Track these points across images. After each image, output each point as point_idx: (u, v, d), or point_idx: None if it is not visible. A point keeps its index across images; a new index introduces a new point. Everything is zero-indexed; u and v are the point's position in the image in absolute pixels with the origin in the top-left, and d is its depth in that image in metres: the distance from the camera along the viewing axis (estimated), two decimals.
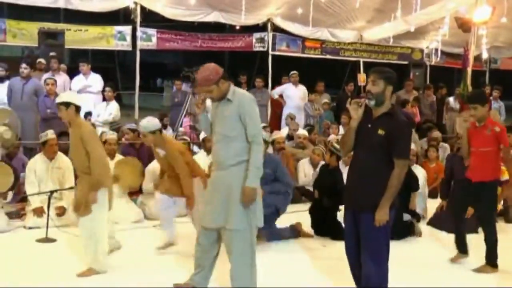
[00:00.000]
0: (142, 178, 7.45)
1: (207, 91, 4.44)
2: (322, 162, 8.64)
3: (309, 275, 5.45)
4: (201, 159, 7.93)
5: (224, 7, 13.47)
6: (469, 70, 12.54)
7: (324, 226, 6.73)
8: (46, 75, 10.19)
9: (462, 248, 5.91)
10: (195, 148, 9.41)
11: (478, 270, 5.66)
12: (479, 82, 16.32)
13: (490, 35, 15.83)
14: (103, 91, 10.80)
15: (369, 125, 4.15)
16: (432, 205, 7.70)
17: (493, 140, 5.51)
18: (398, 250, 5.03)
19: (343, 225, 5.58)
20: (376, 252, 4.12)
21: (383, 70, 4.25)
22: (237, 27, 14.69)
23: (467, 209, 5.99)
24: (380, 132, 4.05)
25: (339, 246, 4.77)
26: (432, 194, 8.47)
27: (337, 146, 6.85)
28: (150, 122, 5.75)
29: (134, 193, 7.65)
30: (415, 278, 5.29)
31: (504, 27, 15.12)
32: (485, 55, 16.75)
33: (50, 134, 7.01)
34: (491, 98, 12.77)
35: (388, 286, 4.21)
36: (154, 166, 7.46)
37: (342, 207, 6.99)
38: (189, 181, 5.62)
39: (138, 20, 12.97)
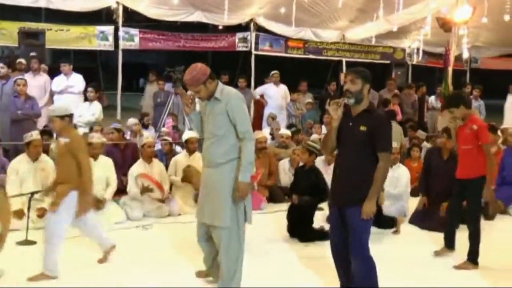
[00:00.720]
0: None
1: (195, 91, 4.51)
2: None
3: (294, 274, 5.45)
4: (183, 160, 7.92)
5: (207, 7, 13.47)
6: (450, 69, 12.65)
7: (299, 230, 6.56)
8: (26, 76, 10.07)
9: (449, 244, 6.03)
10: (178, 149, 9.38)
11: (459, 267, 5.72)
12: (460, 81, 16.44)
13: (471, 35, 16.00)
14: (85, 91, 10.70)
15: (350, 123, 4.27)
16: (415, 204, 7.72)
17: (472, 138, 5.65)
18: (380, 248, 5.05)
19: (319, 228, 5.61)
20: (363, 243, 4.23)
21: (360, 69, 4.40)
22: (220, 27, 14.70)
23: (460, 206, 6.04)
24: (362, 128, 4.18)
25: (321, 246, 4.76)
26: (414, 193, 8.53)
27: (314, 145, 6.85)
28: (60, 107, 5.62)
29: (117, 194, 7.60)
30: (398, 277, 5.30)
31: (484, 27, 15.28)
32: (465, 55, 16.90)
33: (35, 134, 6.92)
34: (471, 97, 12.84)
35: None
36: (137, 168, 7.45)
37: (322, 206, 7.12)
38: (89, 175, 5.19)
39: (121, 20, 12.93)
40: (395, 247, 6.43)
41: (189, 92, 4.79)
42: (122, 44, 13.31)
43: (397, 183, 7.63)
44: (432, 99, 13.74)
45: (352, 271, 4.28)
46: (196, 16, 13.65)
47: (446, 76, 12.81)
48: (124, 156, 8.35)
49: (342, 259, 4.37)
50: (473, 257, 5.72)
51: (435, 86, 14.45)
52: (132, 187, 7.37)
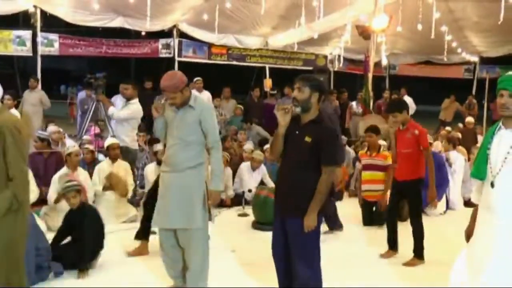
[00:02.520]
0: None
1: (171, 97, 4.61)
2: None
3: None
4: (106, 167, 7.77)
5: (129, 12, 13.27)
6: (370, 75, 13.05)
7: None
8: None
9: (392, 245, 6.28)
10: (100, 157, 9.17)
11: (407, 263, 6.01)
12: (379, 87, 16.98)
13: (389, 43, 16.60)
14: (1, 99, 10.28)
15: (297, 132, 4.17)
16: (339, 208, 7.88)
17: (414, 142, 5.94)
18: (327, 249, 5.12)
19: None
20: (307, 256, 4.14)
21: (309, 77, 4.32)
22: (143, 33, 14.52)
23: (396, 208, 6.38)
24: (307, 139, 4.07)
25: None
26: (340, 197, 8.75)
27: None
28: None
29: (36, 204, 7.35)
30: (348, 277, 5.40)
31: (400, 35, 15.90)
32: (384, 61, 17.48)
33: None
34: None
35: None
36: (61, 177, 7.24)
37: None
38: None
39: (39, 24, 12.53)
40: (343, 246, 6.63)
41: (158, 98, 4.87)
42: (41, 50, 12.90)
43: None
44: (354, 105, 14.09)
45: (297, 278, 4.18)
46: (118, 22, 13.43)
47: (366, 82, 13.19)
48: (47, 165, 8.09)
49: (281, 262, 4.33)
50: (419, 253, 6.04)
51: (356, 92, 14.84)
52: (52, 195, 7.14)
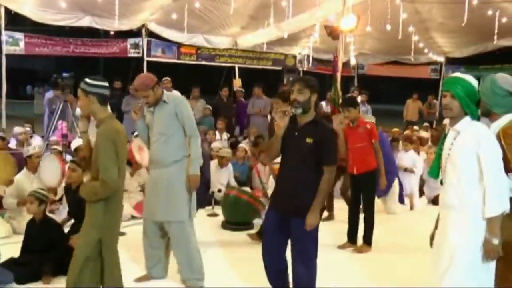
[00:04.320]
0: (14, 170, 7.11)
1: (144, 96, 4.93)
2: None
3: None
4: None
5: (97, 11, 13.12)
6: (339, 75, 13.10)
7: None
8: None
9: (352, 238, 6.63)
10: (68, 157, 9.06)
11: (358, 250, 6.49)
12: (348, 87, 17.11)
13: (357, 43, 16.77)
14: None
15: (296, 133, 4.25)
16: None
17: (366, 136, 6.48)
18: None
19: None
20: (307, 254, 4.23)
21: (308, 79, 4.42)
22: (112, 33, 14.36)
23: (359, 201, 6.68)
24: (308, 140, 4.16)
25: None
26: None
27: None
28: None
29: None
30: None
31: (369, 36, 16.06)
32: (353, 61, 17.67)
33: None
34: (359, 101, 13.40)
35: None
36: (21, 179, 7.12)
37: None
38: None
39: (3, 23, 12.29)
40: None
41: (139, 100, 5.20)
42: (6, 49, 12.64)
43: None
44: (323, 104, 14.18)
45: (293, 275, 4.27)
46: (86, 21, 13.25)
47: (335, 82, 13.25)
48: None
49: (274, 264, 4.37)
50: (368, 239, 6.52)
51: (326, 91, 14.92)
52: (8, 198, 7.01)
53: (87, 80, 3.95)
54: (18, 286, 5.10)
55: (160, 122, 4.98)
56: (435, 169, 3.69)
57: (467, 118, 3.48)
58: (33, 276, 5.21)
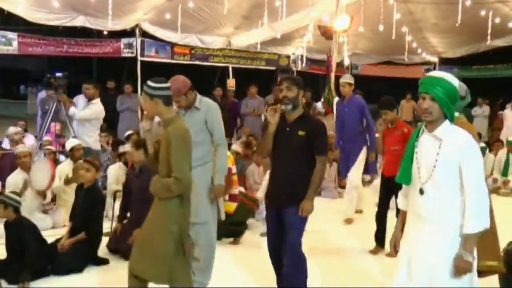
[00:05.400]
0: None
1: (176, 101, 4.86)
2: None
3: None
4: (68, 168, 7.67)
5: (90, 11, 13.07)
6: (333, 75, 13.13)
7: None
8: None
9: (381, 240, 6.54)
10: (61, 157, 9.05)
11: (373, 252, 6.49)
12: None
13: (351, 43, 16.80)
14: None
15: (287, 129, 4.47)
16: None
17: (402, 139, 6.27)
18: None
19: None
20: (297, 240, 4.39)
21: (295, 77, 4.71)
22: (105, 32, 14.32)
23: (388, 203, 6.60)
24: (301, 133, 4.40)
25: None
26: None
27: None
28: None
29: None
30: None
31: (362, 36, 16.08)
32: (346, 62, 17.68)
33: None
34: None
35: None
36: (15, 179, 7.11)
37: None
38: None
39: None
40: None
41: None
42: None
43: None
44: (318, 105, 14.20)
45: (283, 271, 4.39)
46: (79, 21, 13.19)
47: (329, 82, 13.28)
48: (0, 165, 7.96)
49: (280, 260, 4.47)
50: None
51: (319, 92, 14.95)
52: None
53: (150, 83, 4.00)
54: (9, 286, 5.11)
55: (190, 129, 4.85)
56: (407, 173, 3.39)
57: (447, 123, 3.24)
58: (10, 280, 5.20)
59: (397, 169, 6.21)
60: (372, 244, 6.60)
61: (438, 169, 3.18)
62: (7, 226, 5.61)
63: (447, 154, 3.16)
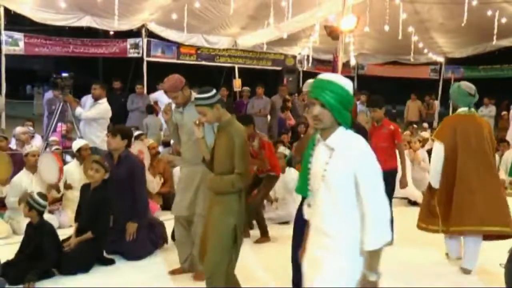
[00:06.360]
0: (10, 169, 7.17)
1: (173, 97, 5.18)
2: None
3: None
4: (74, 169, 7.67)
5: (97, 11, 13.12)
6: None
7: None
8: None
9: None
10: (68, 158, 9.07)
11: None
12: None
13: (357, 43, 16.80)
14: None
15: None
16: None
17: (389, 137, 6.63)
18: None
19: None
20: None
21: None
22: (111, 33, 14.36)
23: None
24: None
25: None
26: None
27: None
28: None
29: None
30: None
31: (368, 36, 16.07)
32: (353, 62, 17.67)
33: None
34: (358, 102, 13.42)
35: None
36: (20, 180, 7.11)
37: None
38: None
39: (2, 23, 12.29)
40: None
41: (167, 101, 5.57)
42: (5, 49, 12.63)
43: (287, 186, 7.84)
44: None
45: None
46: (86, 21, 13.25)
47: None
48: None
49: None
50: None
51: None
52: (10, 197, 7.01)
53: (204, 95, 4.20)
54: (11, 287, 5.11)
55: (190, 123, 4.91)
56: (303, 185, 3.07)
57: (341, 130, 2.89)
58: (15, 280, 5.16)
59: (384, 165, 6.37)
60: None
61: (326, 179, 2.86)
62: (28, 227, 5.63)
63: (338, 163, 2.84)
